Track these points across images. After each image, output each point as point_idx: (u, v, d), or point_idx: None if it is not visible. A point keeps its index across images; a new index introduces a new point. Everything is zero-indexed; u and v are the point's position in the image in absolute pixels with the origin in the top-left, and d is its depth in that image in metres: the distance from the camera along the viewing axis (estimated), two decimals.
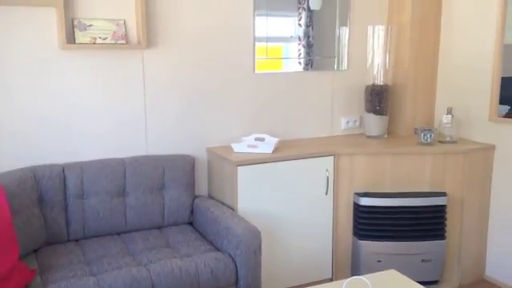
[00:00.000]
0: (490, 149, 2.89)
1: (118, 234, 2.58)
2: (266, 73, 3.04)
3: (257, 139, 2.87)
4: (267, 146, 2.77)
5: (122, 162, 2.59)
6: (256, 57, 2.97)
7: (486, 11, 2.82)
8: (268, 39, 3.00)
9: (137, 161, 2.62)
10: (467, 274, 2.97)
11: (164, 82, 2.76)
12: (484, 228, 2.97)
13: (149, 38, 2.65)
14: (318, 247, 2.89)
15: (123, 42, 2.57)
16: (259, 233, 2.34)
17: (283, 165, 2.73)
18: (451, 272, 2.94)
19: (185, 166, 2.70)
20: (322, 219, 2.88)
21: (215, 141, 2.92)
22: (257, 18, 2.93)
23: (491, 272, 2.99)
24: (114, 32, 2.55)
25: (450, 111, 2.97)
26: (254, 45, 2.95)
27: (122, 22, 2.58)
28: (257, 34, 2.95)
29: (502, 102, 3.09)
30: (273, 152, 2.76)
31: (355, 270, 2.89)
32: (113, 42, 2.55)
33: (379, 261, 2.83)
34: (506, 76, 3.41)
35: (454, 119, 2.96)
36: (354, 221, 2.90)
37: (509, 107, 3.34)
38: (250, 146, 2.78)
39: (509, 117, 3.18)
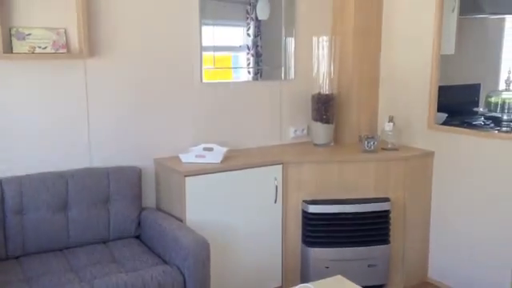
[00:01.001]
0: (429, 155, 3.02)
1: (61, 249, 2.48)
2: (215, 82, 3.04)
3: (205, 149, 2.85)
4: (216, 156, 2.76)
5: (63, 175, 2.50)
6: (203, 66, 2.97)
7: (424, 23, 2.96)
8: (216, 48, 3.00)
9: (79, 173, 2.54)
10: (411, 276, 3.08)
11: (108, 92, 2.70)
12: (426, 231, 3.09)
13: (91, 46, 2.59)
14: (267, 256, 2.90)
15: (64, 51, 2.50)
16: (208, 243, 2.32)
17: (232, 174, 2.73)
18: (396, 275, 3.03)
19: (131, 178, 2.64)
20: (271, 228, 2.90)
21: (163, 151, 2.88)
22: (204, 27, 2.93)
23: (434, 274, 3.11)
24: (55, 41, 2.47)
25: (391, 119, 3.08)
26: (201, 54, 2.94)
27: (63, 30, 2.50)
28: (204, 44, 2.94)
29: (441, 110, 3.24)
30: (221, 162, 2.75)
31: (304, 277, 2.93)
32: (53, 51, 2.47)
33: (327, 267, 2.88)
34: (444, 85, 3.59)
35: (396, 127, 3.08)
36: (303, 228, 2.93)
37: (446, 115, 3.52)
38: (198, 156, 2.76)
39: (446, 124, 3.35)
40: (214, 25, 2.96)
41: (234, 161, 2.80)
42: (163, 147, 2.88)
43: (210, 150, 2.85)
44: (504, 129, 2.78)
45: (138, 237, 2.67)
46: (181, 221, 2.60)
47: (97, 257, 2.40)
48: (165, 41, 2.82)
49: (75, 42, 2.55)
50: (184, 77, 2.92)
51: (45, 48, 2.45)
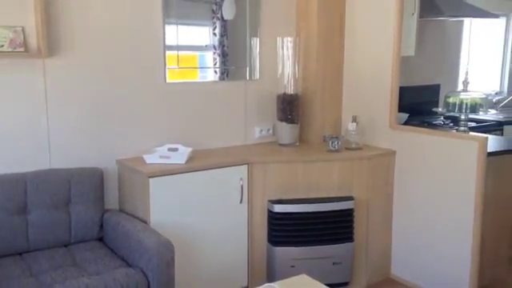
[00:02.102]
0: (391, 154, 3.08)
1: (20, 254, 2.41)
2: (179, 82, 3.01)
3: (170, 150, 2.83)
4: (180, 157, 2.74)
5: (22, 178, 2.42)
6: (167, 66, 2.94)
7: (385, 25, 3.02)
8: (181, 48, 2.97)
9: (39, 175, 2.47)
10: (374, 274, 3.14)
11: (68, 92, 2.64)
12: (388, 229, 3.16)
13: (50, 45, 2.52)
14: (233, 256, 2.90)
15: (22, 50, 2.42)
16: (172, 245, 2.30)
17: (197, 175, 2.71)
18: (360, 273, 3.09)
19: (92, 180, 2.59)
20: (237, 228, 2.90)
21: (126, 152, 2.83)
22: (168, 27, 2.90)
23: (396, 270, 3.18)
24: (12, 39, 2.39)
25: (354, 119, 3.13)
26: (165, 54, 2.91)
27: (20, 28, 2.43)
28: (169, 43, 2.91)
29: (403, 110, 3.33)
30: (186, 162, 2.73)
31: (270, 276, 2.94)
32: (10, 49, 2.39)
33: (293, 266, 2.90)
34: (405, 86, 3.69)
35: (359, 127, 3.13)
36: (269, 228, 2.95)
37: (408, 115, 3.61)
38: (162, 157, 2.73)
39: (408, 124, 3.44)
40: (178, 24, 2.93)
41: (199, 161, 2.79)
42: (126, 148, 2.83)
43: (175, 150, 2.82)
44: (462, 128, 2.87)
45: (100, 239, 2.62)
46: (145, 222, 2.56)
47: (58, 261, 2.34)
48: (127, 40, 2.78)
49: (33, 41, 2.48)
50: (147, 77, 2.88)
51: (1, 46, 2.37)
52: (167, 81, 2.95)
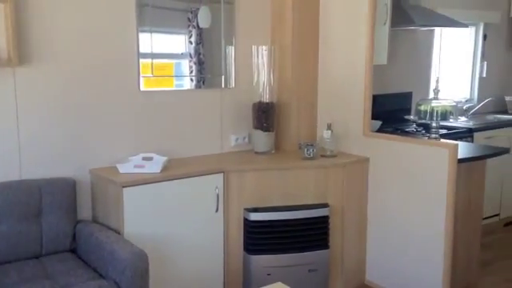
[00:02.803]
0: (365, 161, 3.12)
1: None
2: (154, 90, 2.99)
3: (144, 159, 2.80)
4: (155, 166, 2.72)
5: None
6: (141, 74, 2.92)
7: (357, 35, 3.06)
8: (157, 56, 2.96)
9: (9, 186, 2.41)
10: (350, 280, 3.16)
11: (40, 101, 2.59)
12: (363, 235, 3.20)
13: (21, 54, 2.47)
14: (209, 265, 2.89)
15: None
16: (146, 256, 2.27)
17: (172, 184, 2.69)
18: (336, 279, 3.11)
19: (64, 190, 2.54)
20: (213, 237, 2.88)
21: (99, 162, 2.79)
22: (142, 35, 2.88)
23: (371, 276, 3.21)
24: None
25: (329, 127, 3.16)
26: (139, 62, 2.89)
27: None
28: (144, 51, 2.90)
29: (376, 117, 3.38)
30: (161, 171, 2.71)
31: (246, 285, 2.93)
32: None
33: (269, 274, 2.90)
34: (378, 94, 3.75)
35: (334, 134, 3.16)
36: (245, 236, 2.94)
37: (381, 122, 3.67)
38: (136, 166, 2.71)
39: (381, 131, 3.49)
40: (152, 32, 2.92)
41: (175, 170, 2.77)
42: (100, 158, 2.80)
43: (150, 159, 2.80)
44: (433, 135, 2.93)
45: (73, 251, 2.57)
46: (118, 233, 2.53)
47: (28, 273, 2.29)
48: (100, 48, 2.75)
49: (3, 50, 2.43)
50: (121, 85, 2.85)
51: None
52: (142, 89, 2.93)
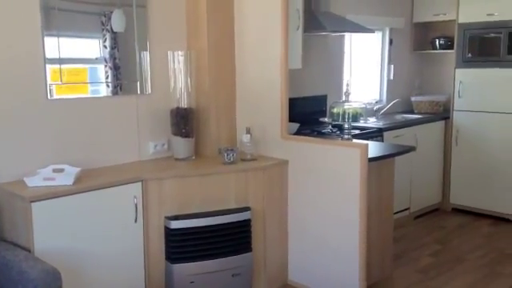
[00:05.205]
0: (284, 164, 3.19)
1: None
2: (64, 98, 2.84)
3: (55, 171, 2.65)
4: (67, 178, 2.58)
5: None
6: (49, 81, 2.76)
7: (272, 40, 3.11)
8: (67, 61, 2.82)
9: None
10: (273, 281, 3.21)
11: None
12: (284, 237, 3.26)
13: None
14: (129, 277, 2.79)
15: None
16: (59, 273, 2.15)
17: (86, 196, 2.58)
18: (259, 282, 3.14)
19: None
20: (132, 248, 2.79)
21: (5, 176, 2.60)
22: (49, 39, 2.73)
23: (293, 276, 3.28)
24: None
25: (248, 131, 3.19)
26: (45, 68, 2.73)
27: None
28: (52, 56, 2.74)
29: (294, 120, 3.46)
30: (74, 183, 2.58)
31: None
32: None
33: (192, 282, 2.87)
34: (295, 97, 3.85)
35: (253, 138, 3.20)
36: (166, 245, 2.88)
37: (299, 124, 3.77)
38: (46, 179, 2.55)
39: (299, 133, 3.59)
40: (60, 36, 2.77)
41: (89, 181, 2.65)
42: (5, 171, 2.61)
43: (61, 171, 2.65)
44: (346, 136, 3.06)
45: None
46: (28, 251, 2.37)
47: None
48: (1, 54, 2.56)
49: None
50: (26, 93, 2.68)
51: None
52: (51, 97, 2.78)
